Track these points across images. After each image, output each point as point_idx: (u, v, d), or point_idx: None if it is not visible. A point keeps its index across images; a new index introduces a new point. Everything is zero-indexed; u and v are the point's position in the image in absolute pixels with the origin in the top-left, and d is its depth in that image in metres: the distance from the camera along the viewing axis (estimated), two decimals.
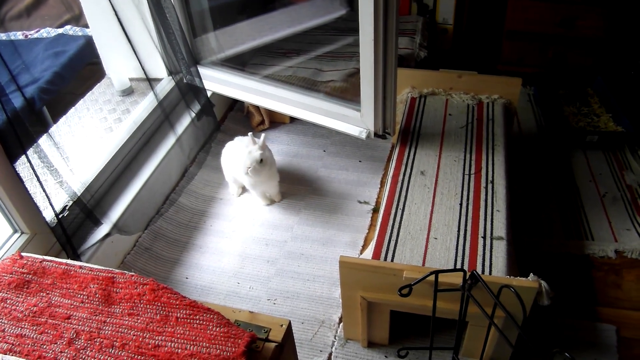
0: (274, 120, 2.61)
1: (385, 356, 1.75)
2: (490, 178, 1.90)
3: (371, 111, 1.95)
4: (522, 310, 1.49)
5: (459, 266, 1.60)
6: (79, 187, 1.85)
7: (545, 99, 2.62)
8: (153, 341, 1.21)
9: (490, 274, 1.57)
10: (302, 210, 2.21)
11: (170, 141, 2.24)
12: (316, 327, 1.82)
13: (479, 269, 1.59)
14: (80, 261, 1.71)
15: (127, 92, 2.44)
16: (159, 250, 2.09)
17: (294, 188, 2.32)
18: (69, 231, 1.80)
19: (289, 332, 1.25)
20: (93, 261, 1.87)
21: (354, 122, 2.04)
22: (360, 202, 2.22)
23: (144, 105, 2.28)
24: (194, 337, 1.21)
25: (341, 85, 2.33)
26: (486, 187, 1.86)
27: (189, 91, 2.35)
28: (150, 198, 2.13)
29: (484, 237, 1.69)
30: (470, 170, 1.94)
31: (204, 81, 2.32)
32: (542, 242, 2.06)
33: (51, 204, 1.68)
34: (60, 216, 1.74)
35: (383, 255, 1.66)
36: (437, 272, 1.31)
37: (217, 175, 2.38)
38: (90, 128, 2.23)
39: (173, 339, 1.21)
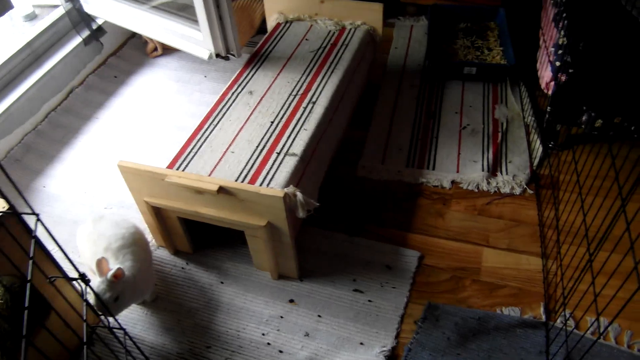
0: (168, 47, 2.66)
1: (187, 263, 1.82)
2: (314, 99, 1.89)
3: (208, 32, 1.97)
4: (285, 217, 1.53)
5: (242, 178, 1.64)
6: None
7: (435, 31, 2.52)
8: None
9: (268, 185, 1.60)
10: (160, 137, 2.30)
11: (52, 63, 2.35)
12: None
13: (259, 181, 1.62)
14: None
15: (30, 18, 2.57)
16: (28, 162, 2.22)
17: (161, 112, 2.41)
18: None
19: None
20: None
21: (200, 43, 2.07)
22: None
23: (38, 28, 2.40)
24: None
25: None
26: (305, 107, 1.86)
27: (80, 18, 2.45)
28: (23, 114, 2.26)
29: (279, 153, 1.71)
30: (299, 91, 1.94)
31: (95, 7, 2.40)
32: (377, 168, 2.04)
33: None
34: None
35: (177, 165, 1.71)
36: None
37: (101, 97, 2.48)
38: None
39: None
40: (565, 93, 1.80)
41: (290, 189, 1.55)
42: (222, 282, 1.76)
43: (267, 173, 1.64)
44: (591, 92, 1.78)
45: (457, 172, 2.00)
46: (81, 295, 1.25)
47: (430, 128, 2.17)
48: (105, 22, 2.50)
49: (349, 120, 2.22)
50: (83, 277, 1.18)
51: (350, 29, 2.19)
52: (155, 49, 2.63)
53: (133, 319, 1.68)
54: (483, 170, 1.98)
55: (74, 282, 1.51)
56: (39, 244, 1.42)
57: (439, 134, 2.14)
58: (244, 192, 1.51)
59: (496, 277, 1.71)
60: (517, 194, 1.92)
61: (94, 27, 2.49)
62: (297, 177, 1.67)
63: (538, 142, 2.06)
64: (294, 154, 1.70)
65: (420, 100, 2.30)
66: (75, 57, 2.43)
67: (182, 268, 1.81)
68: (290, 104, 1.88)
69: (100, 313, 1.36)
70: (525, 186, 1.94)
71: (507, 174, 1.97)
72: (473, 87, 2.32)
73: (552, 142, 2.05)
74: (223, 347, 1.59)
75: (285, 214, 1.52)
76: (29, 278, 0.93)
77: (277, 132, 1.78)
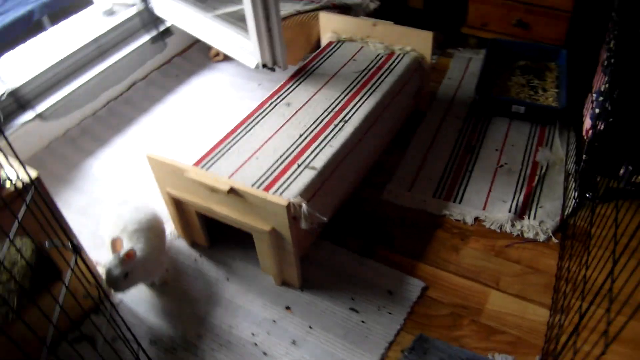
0: None
1: (200, 255, 1.91)
2: (346, 118, 1.92)
3: (256, 42, 2.06)
4: (288, 225, 1.57)
5: (258, 184, 1.70)
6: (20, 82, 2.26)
7: (491, 65, 2.49)
8: None
9: (281, 194, 1.65)
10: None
11: (118, 56, 2.55)
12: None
13: (273, 189, 1.67)
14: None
15: (109, 13, 2.79)
16: (81, 143, 2.41)
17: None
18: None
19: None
20: (14, 141, 2.21)
21: (249, 53, 2.16)
22: None
23: (110, 22, 2.61)
24: None
25: None
26: (337, 125, 1.90)
27: (150, 19, 2.65)
28: (83, 100, 2.45)
29: (300, 165, 1.75)
30: (335, 109, 1.97)
31: (164, 11, 2.59)
32: (403, 194, 2.04)
33: None
34: None
35: (204, 163, 1.80)
36: None
37: (160, 92, 2.65)
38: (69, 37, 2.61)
39: None
40: (601, 142, 1.72)
41: (297, 199, 1.60)
42: (227, 279, 1.82)
43: (284, 183, 1.70)
44: (630, 144, 1.70)
45: (484, 209, 1.96)
46: (70, 265, 1.35)
47: (466, 162, 2.14)
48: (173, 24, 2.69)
49: (384, 144, 2.23)
50: (74, 247, 1.28)
51: (399, 54, 2.21)
52: (218, 54, 2.77)
53: (139, 298, 1.79)
54: (510, 212, 1.93)
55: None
56: (54, 214, 1.53)
57: (473, 169, 2.11)
58: (251, 196, 1.57)
59: (497, 322, 1.65)
60: (541, 240, 1.85)
61: (162, 28, 2.68)
62: (312, 191, 1.71)
63: (575, 191, 1.97)
64: (313, 168, 1.74)
65: (462, 133, 2.27)
66: (139, 54, 2.63)
67: (195, 259, 1.90)
68: (322, 120, 1.92)
69: (98, 286, 1.47)
70: (551, 234, 1.86)
71: (534, 218, 1.91)
72: (520, 126, 2.26)
73: (589, 193, 1.97)
74: (213, 339, 1.65)
75: (289, 222, 1.57)
76: (11, 237, 1.03)
77: (303, 145, 1.83)
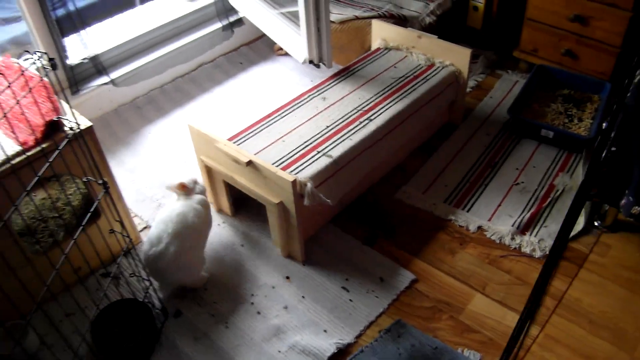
0: None
1: (223, 222, 2.14)
2: (372, 117, 2.09)
3: (305, 40, 2.27)
4: (292, 200, 1.77)
5: (278, 163, 1.90)
6: (100, 49, 2.59)
7: (533, 89, 2.55)
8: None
9: (296, 174, 1.84)
10: None
11: (189, 39, 2.85)
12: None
13: (291, 168, 1.87)
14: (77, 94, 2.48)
15: None
16: (145, 112, 2.71)
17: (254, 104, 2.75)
18: (79, 75, 2.55)
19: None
20: (88, 100, 2.57)
21: (299, 48, 2.37)
22: None
23: (190, 7, 2.90)
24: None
25: None
26: (362, 122, 2.07)
27: (224, 9, 2.94)
28: (150, 72, 2.75)
29: (319, 152, 1.94)
30: (364, 108, 2.14)
31: (237, 2, 2.86)
32: (415, 196, 2.17)
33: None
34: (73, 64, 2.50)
35: (237, 139, 2.03)
36: None
37: (222, 76, 2.91)
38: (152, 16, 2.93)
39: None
40: (601, 169, 1.79)
41: (304, 178, 1.78)
42: (242, 245, 2.04)
43: (300, 165, 1.89)
44: (630, 174, 1.76)
45: (489, 220, 2.06)
46: (97, 197, 1.60)
47: (484, 176, 2.24)
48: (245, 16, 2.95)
49: (408, 149, 2.38)
50: (104, 183, 1.53)
51: (438, 67, 2.34)
52: (281, 48, 3.00)
53: None
54: (513, 226, 2.02)
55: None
56: (92, 155, 1.76)
57: (489, 183, 2.20)
58: (265, 170, 1.78)
59: (474, 322, 1.76)
60: (536, 257, 1.93)
61: (234, 18, 2.96)
62: (324, 176, 1.88)
63: (583, 217, 2.03)
64: (329, 156, 1.92)
65: (488, 149, 2.37)
66: (209, 39, 2.92)
67: (218, 224, 2.12)
68: (350, 116, 2.10)
69: (122, 225, 1.72)
70: (547, 252, 1.94)
71: (535, 236, 1.99)
72: (547, 150, 2.33)
73: (598, 221, 2.02)
74: (217, 293, 1.87)
75: (294, 198, 1.75)
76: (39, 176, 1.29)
77: (327, 135, 2.01)
